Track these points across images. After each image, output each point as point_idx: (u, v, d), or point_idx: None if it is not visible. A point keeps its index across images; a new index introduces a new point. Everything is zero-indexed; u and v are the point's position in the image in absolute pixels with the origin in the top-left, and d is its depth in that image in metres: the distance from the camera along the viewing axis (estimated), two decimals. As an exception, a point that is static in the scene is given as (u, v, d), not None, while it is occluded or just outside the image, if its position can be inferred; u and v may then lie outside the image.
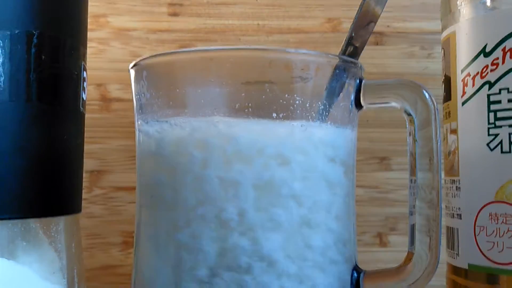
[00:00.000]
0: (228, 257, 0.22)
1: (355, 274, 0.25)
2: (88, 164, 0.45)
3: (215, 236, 0.22)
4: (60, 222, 0.23)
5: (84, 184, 0.44)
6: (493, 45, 0.24)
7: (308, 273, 0.23)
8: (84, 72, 0.24)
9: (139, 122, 0.25)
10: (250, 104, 0.23)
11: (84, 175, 0.44)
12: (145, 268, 0.25)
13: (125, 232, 0.45)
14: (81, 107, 0.24)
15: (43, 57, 0.21)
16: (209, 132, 0.23)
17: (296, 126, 0.23)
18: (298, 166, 0.23)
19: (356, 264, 0.26)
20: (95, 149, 0.45)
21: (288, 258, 0.22)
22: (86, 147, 0.44)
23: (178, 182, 0.23)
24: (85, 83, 0.24)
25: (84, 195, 0.44)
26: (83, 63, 0.24)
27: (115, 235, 0.45)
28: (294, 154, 0.23)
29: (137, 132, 0.26)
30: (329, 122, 0.24)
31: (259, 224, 0.22)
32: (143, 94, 0.25)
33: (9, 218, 0.21)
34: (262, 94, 0.23)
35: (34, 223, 0.22)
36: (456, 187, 0.26)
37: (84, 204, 0.44)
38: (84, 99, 0.24)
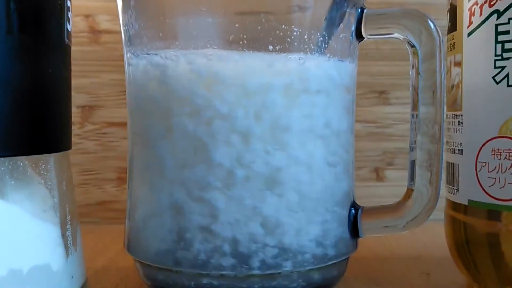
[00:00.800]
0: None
1: (353, 211, 0.25)
2: (80, 99, 0.44)
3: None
4: (49, 160, 0.22)
5: (76, 119, 0.44)
6: (503, -29, 0.23)
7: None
8: (68, 1, 0.23)
9: (128, 55, 0.24)
10: (244, 36, 0.22)
11: (75, 110, 0.43)
12: (139, 203, 0.24)
13: (119, 168, 0.44)
14: (66, 39, 0.22)
15: (22, -16, 0.20)
16: (202, 66, 0.22)
17: (294, 59, 0.22)
18: (293, 98, 0.22)
19: (353, 201, 0.25)
20: (86, 84, 0.44)
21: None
22: (77, 81, 0.43)
23: (169, 117, 0.22)
24: (69, 13, 0.23)
25: (76, 131, 0.44)
26: (66, -9, 0.22)
27: (109, 171, 0.44)
28: (289, 87, 0.22)
29: (126, 66, 0.25)
30: (328, 55, 0.23)
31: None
32: (131, 25, 0.23)
33: (-5, 156, 0.20)
34: (258, 25, 0.22)
35: (22, 161, 0.21)
36: (459, 122, 0.25)
37: (77, 139, 0.44)
38: (69, 30, 0.23)
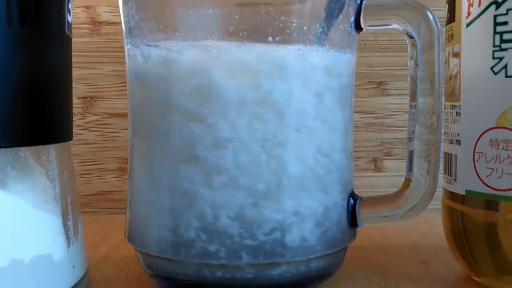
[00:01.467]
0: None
1: (351, 201, 0.25)
2: (81, 90, 0.44)
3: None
4: (50, 150, 0.23)
5: (77, 110, 0.44)
6: (502, -39, 0.23)
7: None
8: (69, -7, 0.23)
9: (128, 47, 0.24)
10: (244, 27, 0.22)
11: (76, 101, 0.44)
12: (140, 192, 0.24)
13: (120, 158, 0.45)
14: (66, 30, 0.23)
15: (23, -24, 0.20)
16: (201, 57, 0.22)
17: (293, 50, 0.22)
18: (288, 91, 0.22)
19: (352, 191, 0.25)
20: (87, 75, 0.44)
21: None
22: (78, 72, 0.43)
23: (169, 108, 0.22)
24: (70, 5, 0.23)
25: (77, 122, 0.44)
26: (66, -18, 0.22)
27: (110, 161, 0.45)
28: (287, 78, 0.22)
29: (126, 57, 0.25)
30: (327, 46, 0.23)
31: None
32: (131, 17, 0.23)
33: (-4, 147, 0.20)
34: (257, 16, 0.22)
35: (23, 152, 0.21)
36: (457, 112, 0.25)
37: (78, 130, 0.44)
38: (70, 21, 0.23)
